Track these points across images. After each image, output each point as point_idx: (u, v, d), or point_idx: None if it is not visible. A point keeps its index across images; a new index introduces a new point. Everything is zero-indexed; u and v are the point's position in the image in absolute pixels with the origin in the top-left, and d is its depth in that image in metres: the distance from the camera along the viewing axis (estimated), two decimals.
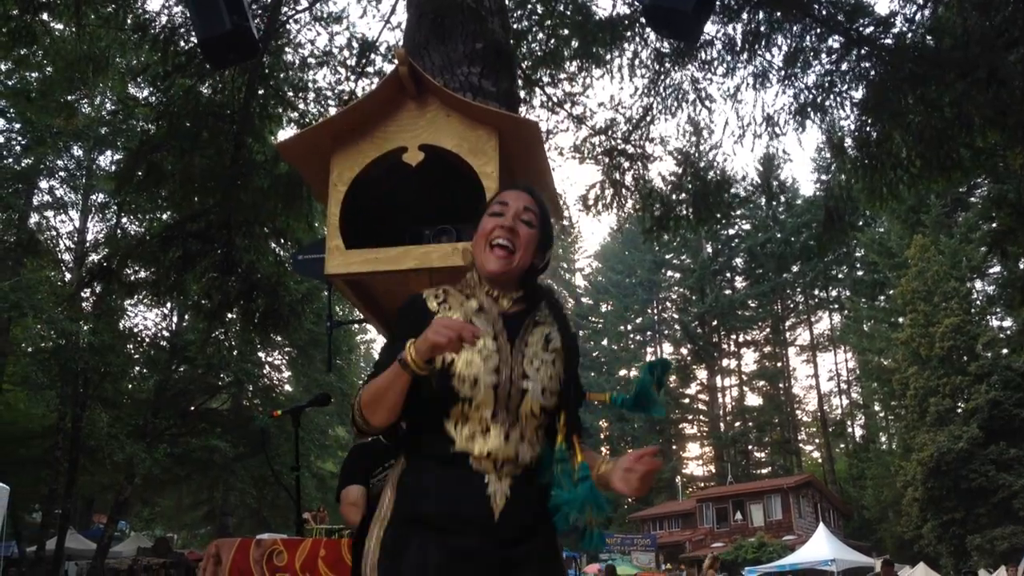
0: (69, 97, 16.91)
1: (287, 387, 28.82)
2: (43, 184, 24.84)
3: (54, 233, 25.80)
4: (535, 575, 2.07)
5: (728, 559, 34.94)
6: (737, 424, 58.34)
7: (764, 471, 54.81)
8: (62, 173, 24.46)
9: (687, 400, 60.33)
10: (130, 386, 26.42)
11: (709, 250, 57.65)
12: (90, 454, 22.82)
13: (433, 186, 3.76)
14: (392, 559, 2.04)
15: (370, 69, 9.04)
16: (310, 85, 9.51)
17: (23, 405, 22.08)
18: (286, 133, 9.42)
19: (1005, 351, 34.31)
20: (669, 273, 61.98)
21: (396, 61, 3.41)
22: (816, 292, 56.82)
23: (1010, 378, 31.14)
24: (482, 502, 2.05)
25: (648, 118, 8.96)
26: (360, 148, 3.47)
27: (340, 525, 2.96)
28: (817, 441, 56.10)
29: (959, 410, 32.91)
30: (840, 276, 54.29)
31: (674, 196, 9.04)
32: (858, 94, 7.67)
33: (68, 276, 24.52)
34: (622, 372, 59.59)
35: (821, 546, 27.55)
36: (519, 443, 2.10)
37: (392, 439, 2.54)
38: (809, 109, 7.94)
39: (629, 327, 62.96)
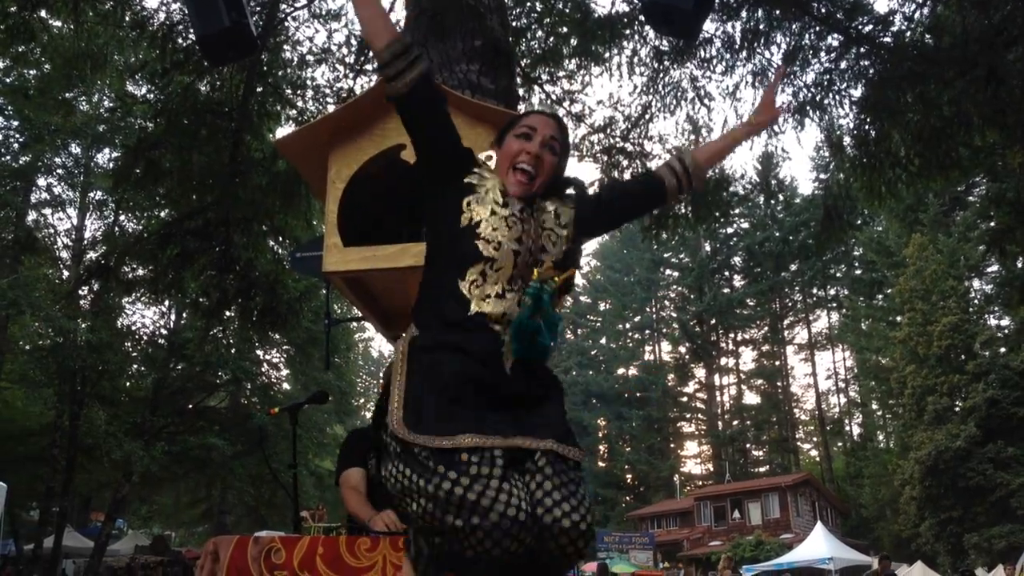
0: (67, 94, 16.90)
1: (285, 385, 28.78)
2: (41, 182, 24.79)
3: (52, 231, 25.75)
4: (547, 429, 2.14)
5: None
6: (735, 422, 58.34)
7: (762, 469, 54.82)
8: (60, 171, 24.40)
9: (685, 398, 60.36)
10: (128, 384, 26.36)
11: (708, 249, 57.63)
12: (88, 452, 22.77)
13: None
14: (416, 403, 2.09)
15: (369, 67, 9.02)
16: (308, 83, 9.52)
17: (21, 403, 22.04)
18: (285, 131, 9.42)
19: (1003, 350, 34.34)
20: (667, 272, 61.95)
21: None
22: (814, 291, 56.81)
23: (1008, 377, 31.15)
24: (496, 355, 2.13)
25: (647, 116, 8.96)
26: (358, 145, 3.47)
27: (338, 523, 2.95)
28: (815, 439, 56.11)
29: (957, 409, 32.93)
30: (838, 275, 54.31)
31: None
32: (857, 92, 7.67)
33: (66, 274, 24.48)
34: (620, 371, 59.57)
35: (819, 544, 27.54)
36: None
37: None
38: (808, 107, 7.94)
39: (627, 325, 62.89)
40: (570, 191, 2.46)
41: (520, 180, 2.30)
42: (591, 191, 2.53)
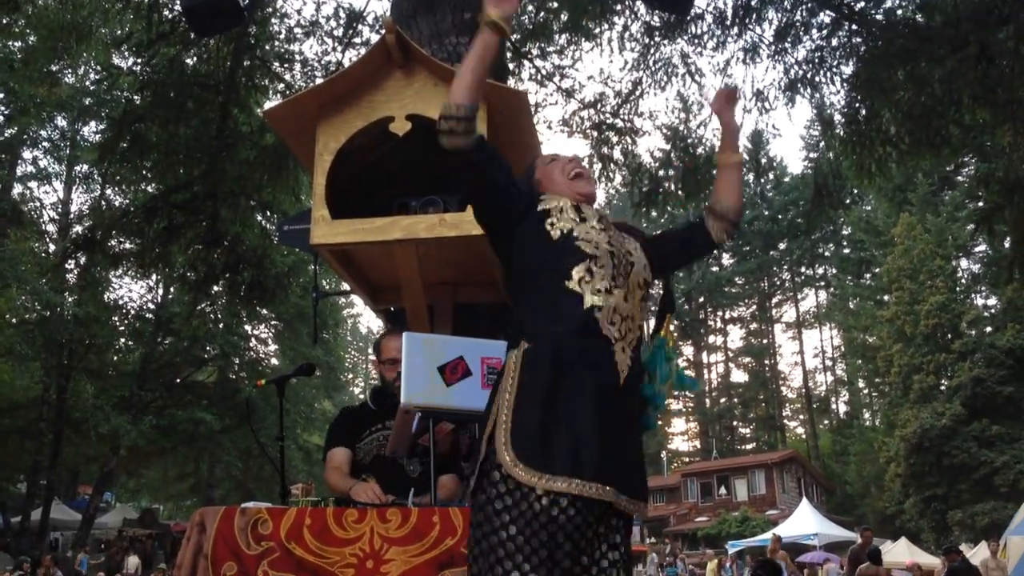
0: (52, 67, 16.70)
1: (274, 360, 28.71)
2: (27, 154, 24.61)
3: (38, 204, 25.59)
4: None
5: (711, 533, 35.25)
6: (722, 400, 58.61)
7: (748, 447, 55.16)
8: (46, 143, 24.20)
9: None
10: (115, 358, 26.29)
11: None
12: (75, 425, 22.74)
13: (420, 157, 3.73)
14: (524, 428, 2.04)
15: (357, 40, 8.97)
16: (296, 56, 9.42)
17: (7, 376, 21.95)
18: (272, 104, 9.33)
19: (989, 329, 34.52)
20: None
21: (384, 31, 3.37)
22: (803, 270, 56.97)
23: (994, 356, 31.34)
24: (610, 368, 2.12)
25: (637, 92, 8.93)
26: (346, 117, 3.43)
27: (327, 497, 2.95)
28: (801, 417, 56.46)
29: (943, 387, 33.14)
30: (827, 254, 54.45)
31: (662, 171, 9.02)
32: (848, 70, 7.65)
33: (52, 247, 24.33)
34: None
35: (804, 521, 27.74)
36: (635, 307, 2.23)
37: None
38: (799, 84, 7.91)
39: None
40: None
41: (583, 185, 2.41)
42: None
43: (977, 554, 16.64)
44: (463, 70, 2.25)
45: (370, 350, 3.68)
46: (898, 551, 21.69)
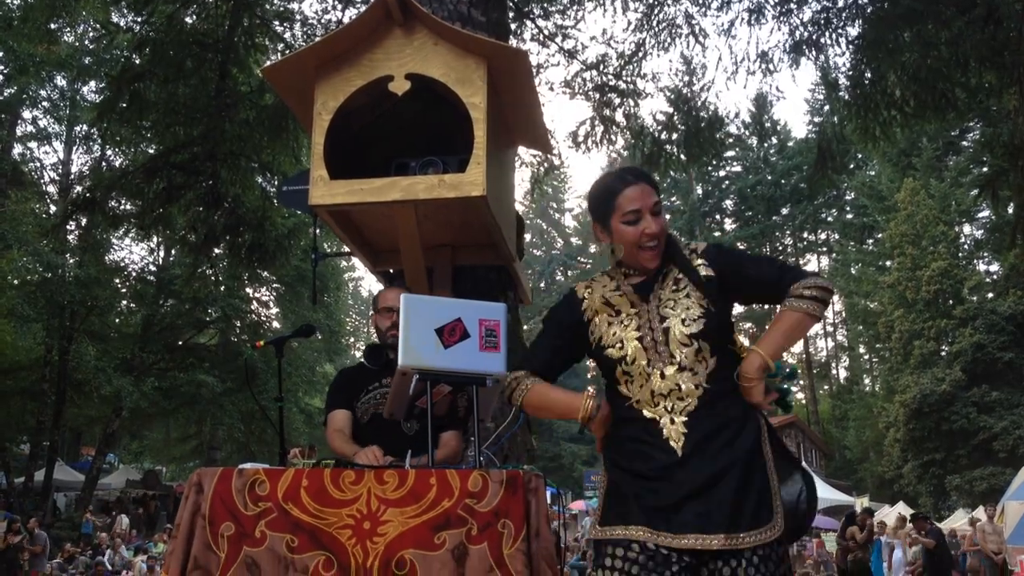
0: (51, 25, 16.53)
1: (275, 323, 28.74)
2: (26, 114, 24.49)
3: (38, 164, 25.52)
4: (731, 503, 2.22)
5: None
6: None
7: None
8: (45, 103, 24.09)
9: None
10: (117, 320, 26.33)
11: (699, 192, 57.43)
12: (77, 387, 22.85)
13: (419, 116, 3.69)
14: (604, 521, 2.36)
15: None
16: (296, 15, 9.32)
17: (9, 337, 21.99)
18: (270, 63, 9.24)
19: (990, 295, 34.53)
20: None
21: None
22: (805, 235, 56.79)
23: (994, 322, 31.35)
24: (662, 445, 2.27)
25: (640, 53, 8.83)
26: (345, 76, 3.38)
27: (326, 459, 2.95)
28: (802, 383, 56.64)
29: (943, 353, 33.21)
30: (829, 219, 54.27)
31: (665, 134, 8.96)
32: (854, 31, 7.56)
33: (53, 208, 24.28)
34: None
35: None
36: (677, 375, 2.30)
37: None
38: (804, 46, 7.83)
39: None
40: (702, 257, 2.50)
41: (652, 255, 2.43)
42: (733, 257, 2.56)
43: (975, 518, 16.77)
44: (544, 407, 2.55)
45: (371, 312, 3.67)
46: (895, 516, 21.84)
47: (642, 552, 2.19)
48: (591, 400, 2.38)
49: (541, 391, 2.49)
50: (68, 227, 19.29)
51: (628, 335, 2.38)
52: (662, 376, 2.31)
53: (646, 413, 2.31)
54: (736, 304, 2.54)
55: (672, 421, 2.27)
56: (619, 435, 2.40)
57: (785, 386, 2.44)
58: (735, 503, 2.18)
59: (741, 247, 56.39)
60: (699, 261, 2.46)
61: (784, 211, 54.40)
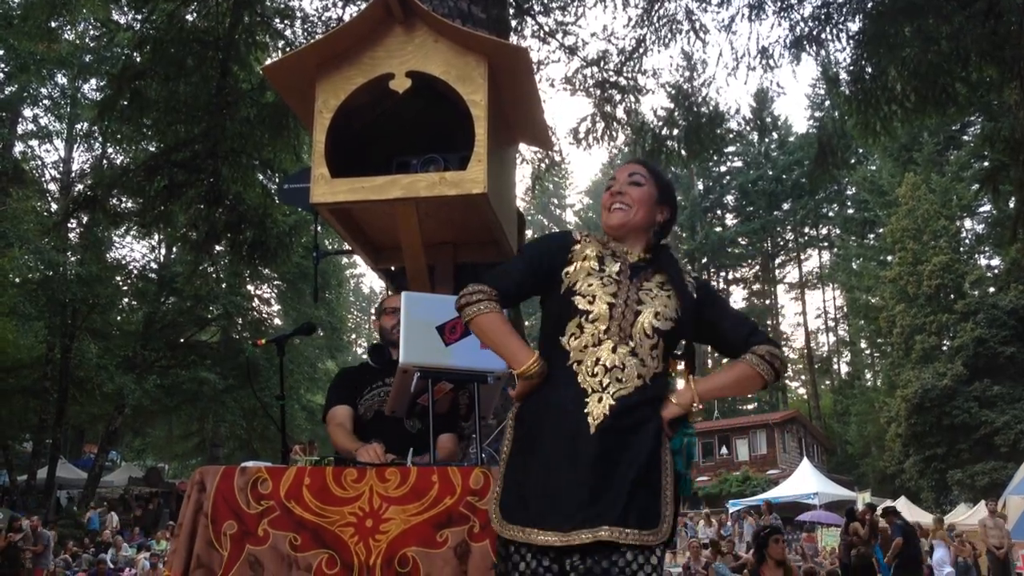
0: (52, 23, 16.52)
1: (277, 321, 28.74)
2: (27, 113, 24.48)
3: (39, 163, 25.50)
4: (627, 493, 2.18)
5: (712, 493, 35.49)
6: (724, 360, 58.76)
7: (750, 407, 55.33)
8: (46, 101, 24.07)
9: None
10: (119, 318, 26.35)
11: (700, 187, 57.40)
12: (79, 384, 22.86)
13: (420, 114, 3.69)
14: (504, 494, 2.29)
15: None
16: (297, 12, 9.32)
17: (11, 335, 22.01)
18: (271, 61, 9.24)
19: (992, 289, 34.50)
20: None
21: None
22: (806, 230, 56.75)
23: (996, 316, 31.33)
24: (580, 419, 2.22)
25: (641, 49, 8.83)
26: (346, 74, 3.38)
27: (327, 456, 2.95)
28: (803, 378, 56.64)
29: (944, 348, 33.19)
30: (831, 214, 54.23)
31: (665, 130, 8.95)
32: (855, 26, 7.55)
33: (54, 206, 24.28)
34: None
35: (805, 480, 27.93)
36: (627, 356, 2.27)
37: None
38: (805, 41, 7.82)
39: None
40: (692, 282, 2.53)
41: (613, 218, 2.47)
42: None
43: (976, 513, 16.78)
44: (493, 340, 2.42)
45: (372, 310, 3.68)
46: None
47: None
48: (538, 365, 2.30)
49: (496, 321, 2.39)
50: (69, 225, 19.34)
51: (602, 294, 2.34)
52: (613, 350, 2.28)
53: (579, 381, 2.26)
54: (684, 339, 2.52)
55: (600, 400, 2.23)
56: (542, 393, 2.32)
57: (681, 440, 2.38)
58: (630, 494, 2.17)
59: (742, 243, 56.51)
60: (689, 280, 2.51)
61: (785, 206, 54.38)
